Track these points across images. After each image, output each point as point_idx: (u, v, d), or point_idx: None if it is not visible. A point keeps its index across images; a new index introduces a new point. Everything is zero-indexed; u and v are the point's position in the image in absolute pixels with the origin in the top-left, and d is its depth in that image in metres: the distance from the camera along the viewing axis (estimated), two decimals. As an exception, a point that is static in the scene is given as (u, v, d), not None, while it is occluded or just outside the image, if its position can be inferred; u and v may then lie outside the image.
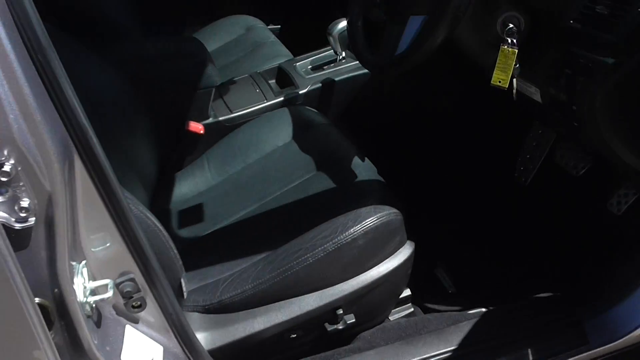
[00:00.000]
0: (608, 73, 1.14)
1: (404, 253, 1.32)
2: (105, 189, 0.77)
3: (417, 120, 1.97)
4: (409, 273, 1.38)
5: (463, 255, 1.78)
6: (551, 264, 1.72)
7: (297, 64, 1.91)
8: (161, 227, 1.00)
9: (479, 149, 2.04)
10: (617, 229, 1.66)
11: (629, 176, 1.52)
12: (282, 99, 1.78)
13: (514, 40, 1.26)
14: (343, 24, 1.79)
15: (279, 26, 2.73)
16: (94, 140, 0.73)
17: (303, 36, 2.77)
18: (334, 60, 1.89)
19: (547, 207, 1.88)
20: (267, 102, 1.77)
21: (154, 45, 1.71)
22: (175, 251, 1.05)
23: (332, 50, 1.92)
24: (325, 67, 1.87)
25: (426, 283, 1.66)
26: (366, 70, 1.83)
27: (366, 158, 1.49)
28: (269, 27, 2.59)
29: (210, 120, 1.71)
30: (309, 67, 1.90)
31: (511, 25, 1.27)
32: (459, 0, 1.13)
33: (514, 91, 1.32)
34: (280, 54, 2.09)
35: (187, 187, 1.58)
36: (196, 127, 1.64)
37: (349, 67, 1.85)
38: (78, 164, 0.74)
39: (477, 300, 1.52)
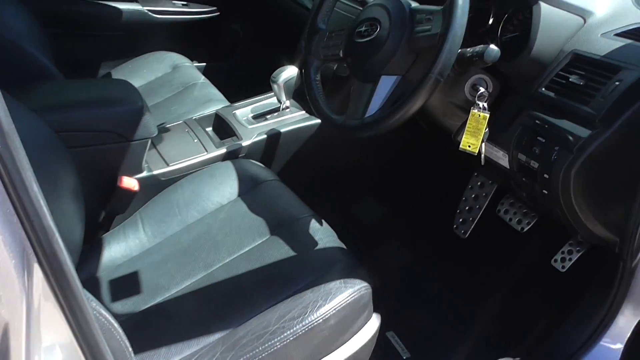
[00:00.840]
0: (584, 145, 1.12)
1: (372, 327, 1.23)
2: (69, 302, 0.61)
3: (365, 173, 1.91)
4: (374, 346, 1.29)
5: (415, 318, 1.71)
6: (500, 324, 1.69)
7: (237, 111, 1.78)
8: (117, 326, 0.84)
9: (428, 203, 2.02)
10: (561, 286, 1.67)
11: (574, 233, 1.53)
12: (224, 150, 1.64)
13: (485, 105, 1.22)
14: (289, 72, 1.70)
15: (205, 64, 2.60)
16: (60, 244, 0.58)
17: (235, 78, 2.67)
18: (277, 109, 1.78)
19: (493, 262, 1.87)
20: (207, 154, 1.62)
21: (80, 89, 1.53)
22: (130, 349, 0.89)
23: (273, 98, 1.81)
24: (268, 117, 1.76)
25: (379, 349, 1.58)
26: (313, 121, 1.74)
27: (323, 221, 1.39)
28: (194, 63, 2.45)
29: (145, 174, 1.54)
30: (250, 115, 1.78)
31: (481, 89, 1.23)
32: (443, 65, 1.06)
33: (482, 156, 1.28)
34: (214, 98, 1.95)
35: (118, 251, 1.40)
36: (129, 183, 1.46)
37: (294, 118, 1.75)
38: (38, 274, 0.58)
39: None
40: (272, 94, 1.82)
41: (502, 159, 1.31)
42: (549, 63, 1.21)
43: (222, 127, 1.75)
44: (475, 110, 1.23)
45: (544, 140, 1.18)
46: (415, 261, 1.90)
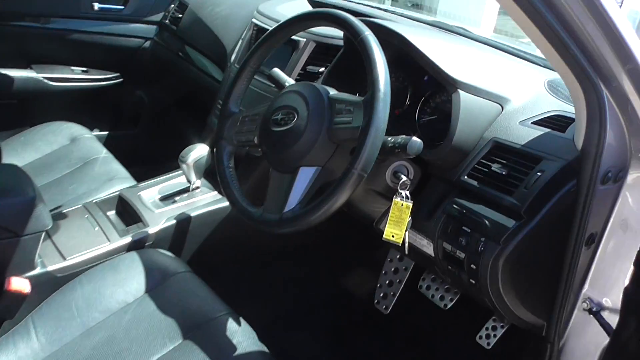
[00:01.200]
0: (511, 236, 1.10)
1: None
2: None
3: (281, 258, 1.82)
4: None
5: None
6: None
7: (143, 193, 1.65)
8: None
9: (349, 280, 1.96)
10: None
11: (500, 317, 1.51)
12: (128, 240, 1.50)
13: (408, 194, 1.18)
14: (199, 151, 1.60)
15: (107, 132, 2.45)
16: None
17: (140, 149, 2.53)
18: (187, 190, 1.67)
19: (417, 341, 1.82)
20: (110, 244, 1.47)
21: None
22: None
23: (182, 177, 1.70)
24: (177, 198, 1.64)
25: None
26: (226, 203, 1.64)
27: (241, 319, 1.28)
28: (94, 132, 2.30)
29: (38, 271, 1.37)
30: (157, 197, 1.65)
31: (403, 178, 1.19)
32: (366, 161, 1.01)
33: (406, 245, 1.23)
34: (117, 175, 1.81)
35: (5, 365, 1.21)
36: (19, 285, 1.29)
37: (205, 199, 1.64)
38: None
39: None
40: (181, 172, 1.71)
41: (426, 246, 1.27)
42: (470, 150, 1.20)
43: (127, 211, 1.61)
44: (398, 199, 1.18)
45: (469, 230, 1.15)
46: (337, 347, 1.81)
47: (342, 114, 1.09)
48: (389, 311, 1.90)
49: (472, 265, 1.16)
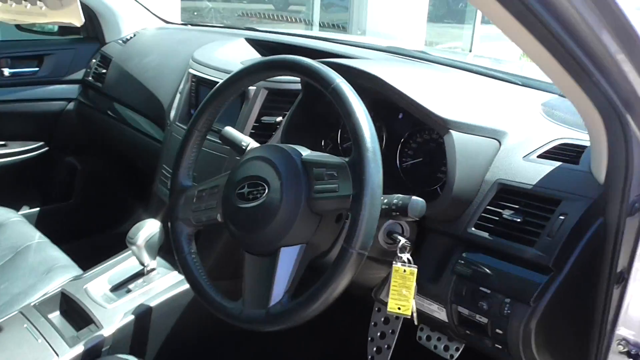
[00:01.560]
0: (541, 293, 0.94)
1: None
2: None
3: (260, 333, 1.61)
4: None
5: None
6: None
7: (89, 285, 1.40)
8: None
9: (335, 344, 1.76)
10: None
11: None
12: (81, 350, 1.25)
13: (409, 257, 1.01)
14: (149, 228, 1.38)
15: (37, 209, 2.18)
16: None
17: (77, 224, 2.27)
18: (141, 274, 1.44)
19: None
20: (58, 358, 1.23)
21: None
22: None
23: (132, 258, 1.47)
24: (130, 286, 1.41)
25: None
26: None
27: None
28: (22, 211, 2.04)
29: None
30: (108, 288, 1.42)
31: (401, 240, 1.02)
32: (364, 237, 0.84)
33: (414, 315, 1.05)
34: (56, 264, 1.56)
35: None
36: None
37: (165, 282, 1.41)
38: None
39: None
40: (129, 252, 1.49)
41: (437, 312, 1.09)
42: (473, 197, 1.03)
43: (74, 311, 1.37)
44: (399, 265, 1.01)
45: (489, 292, 0.99)
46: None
47: (323, 180, 0.91)
48: (386, 367, 1.71)
49: (498, 331, 0.99)
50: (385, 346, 1.70)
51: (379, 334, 1.71)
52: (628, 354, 1.06)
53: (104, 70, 2.13)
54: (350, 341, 1.81)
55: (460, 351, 1.51)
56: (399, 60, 1.50)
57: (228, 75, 1.08)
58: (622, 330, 1.06)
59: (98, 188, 2.35)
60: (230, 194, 1.00)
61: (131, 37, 2.19)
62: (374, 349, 1.72)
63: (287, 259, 0.94)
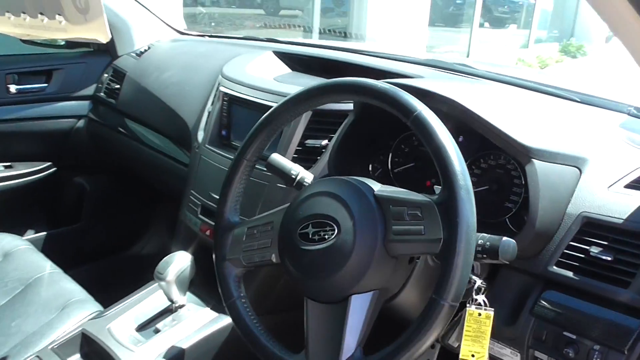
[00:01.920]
0: (637, 340, 0.84)
1: None
2: None
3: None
4: None
5: None
6: None
7: (113, 325, 1.28)
8: None
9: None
10: None
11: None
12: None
13: (485, 300, 0.90)
14: (179, 262, 1.27)
15: (44, 233, 2.06)
16: None
17: (89, 248, 2.15)
18: (169, 310, 1.32)
19: None
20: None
21: None
22: None
23: (158, 291, 1.36)
24: (159, 325, 1.29)
25: None
26: (225, 321, 1.30)
27: None
28: (27, 236, 1.92)
29: None
30: (134, 327, 1.30)
31: (477, 280, 0.91)
32: (458, 287, 0.73)
33: (489, 362, 0.94)
34: (73, 298, 1.43)
35: None
36: None
37: (196, 321, 1.29)
38: None
39: None
40: (154, 284, 1.37)
41: (510, 356, 0.98)
42: (554, 232, 0.93)
43: (96, 354, 1.24)
44: (473, 308, 0.90)
45: (575, 337, 0.88)
46: None
47: (404, 220, 0.80)
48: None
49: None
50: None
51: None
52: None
53: (118, 86, 2.01)
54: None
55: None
56: (461, 79, 1.40)
57: (286, 98, 0.97)
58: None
59: (108, 209, 2.22)
60: (291, 234, 0.89)
61: (146, 50, 2.08)
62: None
63: (359, 308, 0.83)
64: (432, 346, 1.54)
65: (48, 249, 1.78)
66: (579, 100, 1.29)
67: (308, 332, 0.88)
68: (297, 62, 1.65)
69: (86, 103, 2.12)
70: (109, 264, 2.19)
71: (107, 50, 2.15)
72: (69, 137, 2.11)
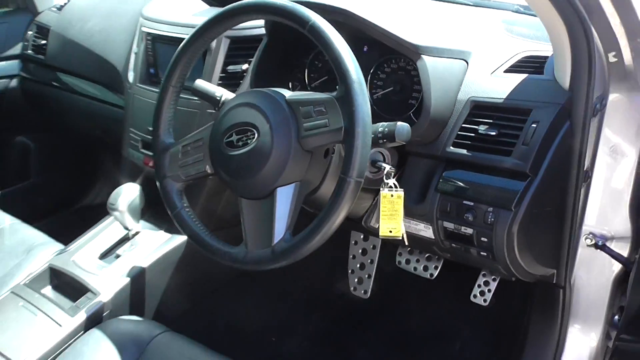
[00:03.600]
0: (521, 198, 1.02)
1: None
2: None
3: (246, 274, 1.66)
4: None
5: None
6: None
7: (76, 257, 1.41)
8: None
9: (318, 282, 1.84)
10: (492, 320, 1.60)
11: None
12: (83, 317, 1.27)
13: (395, 182, 1.06)
14: (129, 193, 1.39)
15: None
16: None
17: (43, 204, 2.22)
18: (127, 238, 1.45)
19: (408, 315, 1.74)
20: (62, 328, 1.24)
21: None
22: None
23: (114, 223, 1.48)
24: (119, 252, 1.42)
25: None
26: (179, 240, 1.44)
27: None
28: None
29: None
30: (96, 256, 1.42)
31: (386, 167, 1.07)
32: (360, 165, 0.88)
33: (405, 236, 1.12)
34: (35, 242, 1.54)
35: None
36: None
37: (152, 243, 1.43)
38: None
39: None
40: (111, 218, 1.49)
41: (424, 230, 1.17)
42: (448, 118, 1.09)
43: (66, 283, 1.37)
44: (386, 191, 1.06)
45: (472, 204, 1.06)
46: (328, 349, 1.70)
47: (312, 117, 0.94)
48: (369, 295, 1.80)
49: (483, 239, 1.08)
50: (366, 276, 1.79)
51: (358, 265, 1.79)
52: (595, 245, 1.17)
53: (44, 41, 2.05)
54: (333, 277, 1.89)
55: (438, 269, 1.60)
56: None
57: (195, 27, 1.08)
58: (588, 225, 1.17)
59: (55, 164, 2.29)
60: (218, 143, 1.02)
61: (65, 3, 2.11)
62: (355, 280, 1.81)
63: (284, 198, 0.98)
64: (373, 247, 1.73)
65: (3, 206, 1.86)
66: (472, 4, 1.44)
67: (244, 226, 1.02)
68: (216, -1, 1.74)
69: (15, 62, 2.15)
70: (65, 217, 2.28)
71: (27, 8, 2.17)
72: (3, 97, 2.15)
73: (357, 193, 0.91)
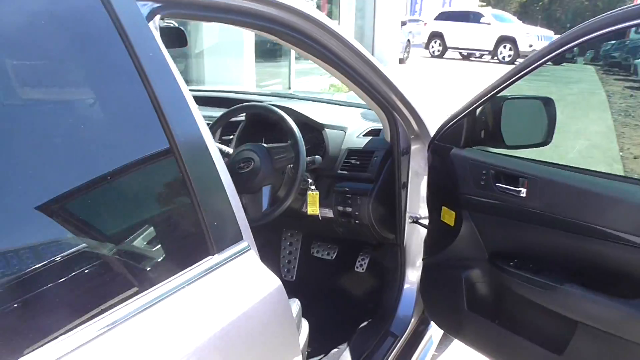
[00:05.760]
0: (372, 191, 2.22)
1: None
2: None
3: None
4: None
5: None
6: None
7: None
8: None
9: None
10: (368, 279, 2.76)
11: (363, 247, 2.65)
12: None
13: (314, 188, 2.24)
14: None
15: None
16: None
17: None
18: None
19: (323, 285, 2.85)
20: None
21: None
22: None
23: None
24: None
25: None
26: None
27: None
28: None
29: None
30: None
31: (310, 181, 2.24)
32: (302, 171, 2.05)
33: (320, 216, 2.28)
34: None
35: None
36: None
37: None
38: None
39: None
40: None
41: (328, 213, 2.34)
42: (337, 157, 2.31)
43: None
44: (311, 192, 2.24)
45: (351, 195, 2.26)
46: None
47: (280, 154, 2.10)
48: (294, 278, 2.89)
49: (356, 213, 2.26)
50: (292, 264, 2.91)
51: (287, 252, 2.91)
52: (414, 221, 2.38)
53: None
54: (267, 266, 2.96)
55: (336, 252, 2.77)
56: (292, 100, 2.77)
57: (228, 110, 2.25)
58: (409, 211, 2.38)
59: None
60: (233, 168, 2.14)
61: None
62: (286, 268, 2.92)
63: (266, 191, 2.12)
64: (297, 240, 2.86)
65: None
66: (346, 105, 2.72)
67: (248, 206, 2.15)
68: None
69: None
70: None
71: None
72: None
73: (297, 190, 2.07)
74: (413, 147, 2.26)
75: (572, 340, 1.58)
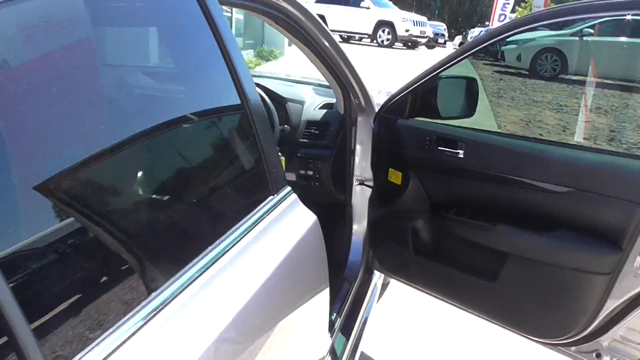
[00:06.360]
0: (329, 157, 2.59)
1: None
2: None
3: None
4: None
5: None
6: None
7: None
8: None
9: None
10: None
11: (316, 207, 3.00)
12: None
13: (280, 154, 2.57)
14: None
15: None
16: None
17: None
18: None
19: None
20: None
21: None
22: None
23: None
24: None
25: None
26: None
27: None
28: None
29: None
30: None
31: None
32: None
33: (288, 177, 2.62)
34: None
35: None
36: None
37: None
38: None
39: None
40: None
41: (290, 177, 2.67)
42: (298, 127, 2.64)
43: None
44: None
45: (311, 160, 2.61)
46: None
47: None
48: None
49: (316, 175, 2.62)
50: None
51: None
52: (360, 183, 2.76)
53: None
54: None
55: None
56: (276, 80, 3.04)
57: None
58: (357, 175, 2.77)
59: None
60: None
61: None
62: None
63: None
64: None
65: None
66: (306, 83, 3.04)
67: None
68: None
69: None
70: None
71: None
72: None
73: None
74: (360, 118, 2.62)
75: (504, 269, 2.03)
